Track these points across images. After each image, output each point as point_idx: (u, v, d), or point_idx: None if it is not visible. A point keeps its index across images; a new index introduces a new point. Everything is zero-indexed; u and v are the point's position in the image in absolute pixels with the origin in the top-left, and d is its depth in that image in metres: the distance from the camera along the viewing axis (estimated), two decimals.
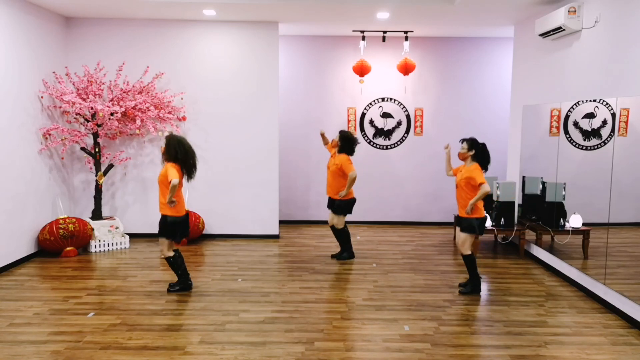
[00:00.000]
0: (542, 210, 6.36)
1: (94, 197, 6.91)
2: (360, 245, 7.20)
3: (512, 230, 6.82)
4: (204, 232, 7.50)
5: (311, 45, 8.46)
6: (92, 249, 6.74)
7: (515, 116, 7.21)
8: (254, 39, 7.33)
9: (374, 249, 7.05)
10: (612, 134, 4.86)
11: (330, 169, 6.26)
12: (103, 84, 6.91)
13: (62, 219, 6.42)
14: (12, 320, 4.43)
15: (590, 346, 4.04)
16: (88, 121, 6.74)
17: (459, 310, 4.79)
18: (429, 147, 8.57)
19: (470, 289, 5.21)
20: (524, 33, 6.95)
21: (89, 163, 7.06)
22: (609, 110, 4.89)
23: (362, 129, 8.60)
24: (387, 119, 8.57)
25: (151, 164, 7.35)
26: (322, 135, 6.63)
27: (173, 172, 4.83)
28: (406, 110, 8.56)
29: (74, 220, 6.47)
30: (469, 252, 5.17)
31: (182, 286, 5.21)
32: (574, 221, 5.61)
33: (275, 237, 7.61)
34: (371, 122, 8.59)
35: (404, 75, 8.10)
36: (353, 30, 7.88)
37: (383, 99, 8.54)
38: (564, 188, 5.83)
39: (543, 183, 6.31)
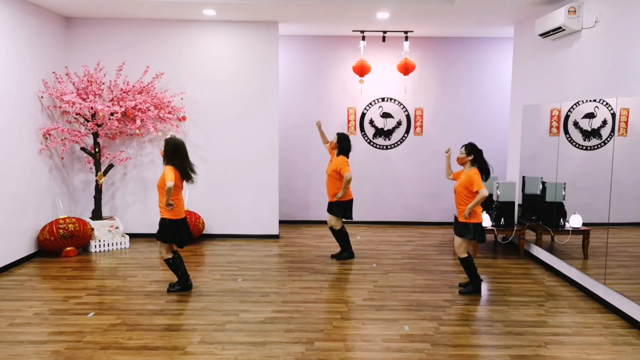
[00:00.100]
0: (542, 210, 6.36)
1: (94, 197, 6.91)
2: (360, 245, 7.20)
3: (512, 230, 6.82)
4: (204, 232, 7.50)
5: (311, 45, 8.46)
6: (92, 249, 6.75)
7: (515, 116, 7.21)
8: (254, 39, 7.33)
9: (374, 249, 7.05)
10: (612, 134, 4.86)
11: (327, 172, 6.28)
12: (103, 84, 6.91)
13: (62, 219, 6.42)
14: (12, 320, 4.43)
15: (590, 346, 4.04)
16: (88, 121, 6.74)
17: (459, 310, 4.79)
18: (429, 147, 8.57)
19: (472, 289, 5.21)
20: (524, 33, 6.95)
21: (89, 163, 7.06)
22: (609, 110, 4.89)
23: (362, 129, 8.60)
24: (387, 119, 8.57)
25: (151, 164, 7.35)
26: (320, 128, 6.62)
27: (169, 176, 4.85)
28: (406, 110, 8.57)
29: (74, 220, 6.47)
30: (465, 255, 5.16)
31: (182, 287, 5.21)
32: (574, 221, 5.61)
33: (275, 237, 7.61)
34: (371, 122, 8.59)
35: (404, 75, 8.10)
36: (353, 30, 7.88)
37: (383, 99, 8.55)
38: (564, 188, 5.83)
39: (543, 183, 6.31)
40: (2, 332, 4.18)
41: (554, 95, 6.03)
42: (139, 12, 6.80)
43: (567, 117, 5.69)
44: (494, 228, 6.81)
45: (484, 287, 5.48)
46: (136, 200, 7.41)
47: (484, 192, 4.88)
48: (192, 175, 5.07)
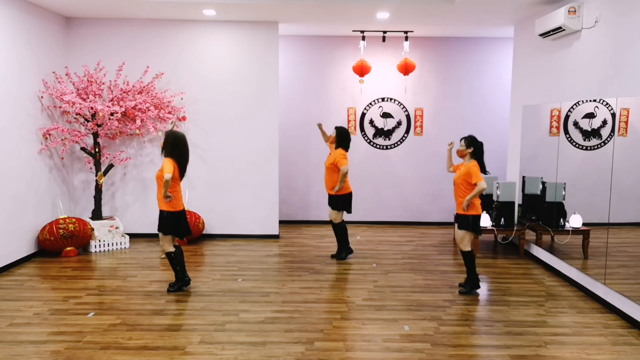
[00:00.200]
0: (542, 210, 6.36)
1: (94, 197, 6.91)
2: (360, 245, 7.20)
3: (512, 230, 6.82)
4: (204, 232, 7.50)
5: (311, 45, 8.46)
6: (92, 249, 6.75)
7: (515, 116, 7.21)
8: (254, 39, 7.33)
9: (374, 249, 7.05)
10: (612, 134, 4.86)
11: (326, 165, 6.29)
12: (103, 84, 6.91)
13: (62, 219, 6.42)
14: (12, 320, 4.43)
15: (590, 346, 4.04)
16: (88, 121, 6.74)
17: (459, 310, 4.79)
18: (429, 147, 8.57)
19: (470, 287, 5.22)
20: (524, 33, 6.95)
21: (89, 163, 7.06)
22: (609, 110, 4.89)
23: (362, 129, 8.60)
24: (387, 119, 8.57)
25: (151, 164, 7.35)
26: (320, 128, 6.63)
27: (167, 167, 4.87)
28: (406, 110, 8.56)
29: (74, 220, 6.47)
30: (469, 249, 5.19)
31: (180, 283, 5.21)
32: (574, 221, 5.61)
33: (275, 237, 7.61)
34: (371, 122, 8.59)
35: (404, 75, 8.10)
36: (353, 30, 7.88)
37: (383, 99, 8.54)
38: (564, 188, 5.83)
39: (543, 183, 6.31)
40: (2, 332, 4.18)
41: (554, 95, 6.03)
42: (139, 12, 6.80)
43: (567, 117, 5.69)
44: (494, 228, 6.81)
45: (484, 287, 5.49)
46: (136, 200, 7.41)
47: (482, 185, 4.92)
48: (185, 170, 5.10)
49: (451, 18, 6.88)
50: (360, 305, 4.88)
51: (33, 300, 4.93)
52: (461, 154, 5.18)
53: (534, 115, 6.56)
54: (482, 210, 5.26)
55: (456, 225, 5.30)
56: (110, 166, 6.98)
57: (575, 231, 5.65)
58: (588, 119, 5.30)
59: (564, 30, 5.51)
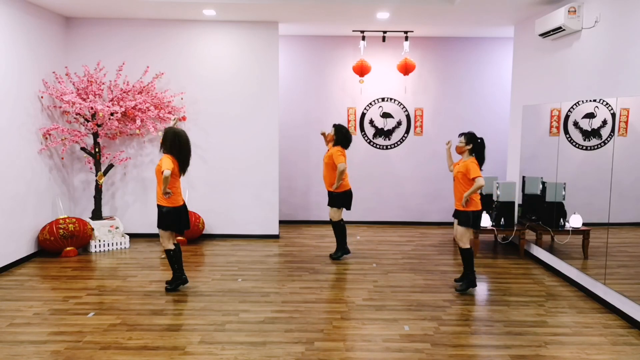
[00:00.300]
0: (542, 210, 6.36)
1: (94, 197, 6.91)
2: (360, 245, 7.20)
3: (512, 230, 6.82)
4: (204, 232, 7.50)
5: (311, 45, 8.46)
6: (92, 249, 6.75)
7: (515, 116, 7.21)
8: (254, 39, 7.33)
9: (374, 249, 7.05)
10: (612, 134, 4.86)
11: (324, 161, 6.29)
12: (103, 84, 6.91)
13: (62, 219, 6.42)
14: (12, 320, 4.43)
15: (590, 346, 4.04)
16: (88, 121, 6.74)
17: (459, 310, 4.79)
18: (429, 147, 8.57)
19: (466, 285, 5.22)
20: (524, 33, 6.95)
21: (89, 163, 7.06)
22: (609, 110, 4.89)
23: (362, 129, 8.60)
24: (387, 119, 8.57)
25: (151, 164, 7.35)
26: (323, 135, 6.60)
27: (166, 163, 4.86)
28: (406, 110, 8.57)
29: (74, 220, 6.47)
30: (468, 246, 5.20)
31: (178, 281, 5.21)
32: (574, 221, 5.61)
33: (275, 237, 7.61)
34: (371, 122, 8.59)
35: (404, 75, 8.10)
36: (353, 30, 7.88)
37: (383, 99, 8.55)
38: (564, 188, 5.83)
39: (543, 183, 6.31)
40: (2, 332, 4.18)
41: (554, 95, 6.03)
42: (139, 12, 6.80)
43: (567, 117, 5.69)
44: (494, 228, 6.81)
45: (484, 287, 5.49)
46: (136, 200, 7.41)
47: (481, 181, 4.92)
48: (186, 167, 5.08)
49: (451, 18, 6.88)
50: (360, 305, 4.88)
51: (33, 300, 4.93)
52: (460, 150, 5.19)
53: (534, 115, 6.56)
54: (482, 207, 5.25)
55: (456, 221, 5.31)
56: (110, 166, 6.98)
57: (575, 231, 5.65)
58: (588, 119, 5.30)
59: (564, 30, 5.51)
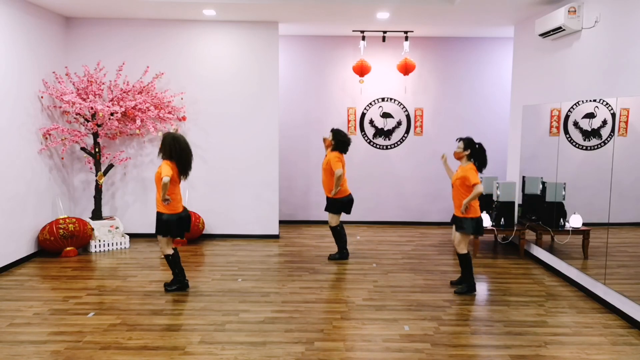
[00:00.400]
0: (542, 210, 6.36)
1: (94, 197, 6.91)
2: (360, 245, 7.20)
3: (512, 230, 6.82)
4: (204, 232, 7.50)
5: (311, 45, 8.46)
6: (92, 249, 6.75)
7: (515, 116, 7.21)
8: (254, 39, 7.33)
9: (374, 249, 7.05)
10: (612, 134, 4.86)
11: (323, 167, 6.28)
12: (103, 84, 6.91)
13: (62, 219, 6.42)
14: (12, 320, 4.43)
15: (590, 346, 4.04)
16: (88, 121, 6.74)
17: (459, 310, 4.79)
18: (429, 147, 8.57)
19: (466, 288, 5.22)
20: (524, 33, 6.95)
21: (89, 163, 7.06)
22: (609, 110, 4.89)
23: (362, 129, 8.60)
24: (387, 119, 8.58)
25: (151, 164, 7.35)
26: (325, 140, 6.51)
27: (165, 170, 4.84)
28: (406, 110, 8.57)
29: (74, 220, 6.47)
30: (465, 252, 5.19)
31: (179, 285, 5.21)
32: (574, 221, 5.61)
33: (275, 237, 7.61)
34: (371, 122, 8.59)
35: (404, 75, 8.10)
36: (353, 30, 7.88)
37: (383, 99, 8.55)
38: (564, 188, 5.83)
39: (543, 183, 6.31)
40: (2, 332, 4.18)
41: (554, 95, 6.03)
42: (139, 12, 6.80)
43: (567, 117, 5.69)
44: (494, 228, 6.81)
45: (484, 287, 5.49)
46: (136, 200, 7.41)
47: (480, 188, 4.91)
48: (188, 171, 5.04)
49: (451, 18, 6.88)
50: (360, 305, 4.88)
51: (33, 300, 4.93)
52: (458, 156, 5.16)
53: (534, 115, 6.56)
54: (482, 211, 5.24)
55: (454, 227, 5.30)
56: (110, 166, 6.98)
57: (575, 231, 5.65)
58: (588, 119, 5.30)
59: (564, 30, 5.51)
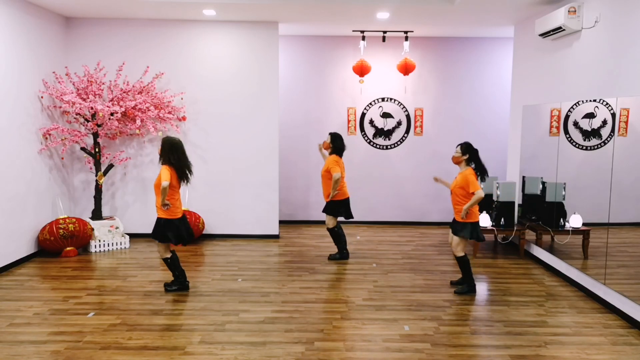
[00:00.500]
0: (542, 210, 6.36)
1: (94, 197, 6.91)
2: (360, 245, 7.20)
3: (512, 230, 6.82)
4: (204, 232, 7.50)
5: (311, 45, 8.46)
6: (92, 249, 6.75)
7: (515, 116, 7.21)
8: (254, 39, 7.33)
9: (374, 249, 7.05)
10: (612, 134, 4.86)
11: (322, 173, 6.28)
12: (103, 84, 6.91)
13: (62, 219, 6.42)
14: (12, 320, 4.43)
15: (590, 346, 4.04)
16: (88, 121, 6.74)
17: (459, 310, 4.79)
18: (429, 147, 8.57)
19: (467, 289, 5.22)
20: (524, 33, 6.95)
21: (89, 163, 7.06)
22: (609, 110, 4.89)
23: (362, 129, 8.60)
24: (387, 119, 8.58)
25: (151, 164, 7.35)
26: (324, 143, 6.50)
27: (165, 175, 4.85)
28: (406, 110, 8.57)
29: (74, 220, 6.47)
30: (462, 254, 5.19)
31: (179, 286, 5.21)
32: (574, 221, 5.61)
33: (275, 237, 7.61)
34: (371, 122, 8.59)
35: (404, 75, 8.10)
36: (353, 30, 7.88)
37: (383, 99, 8.55)
38: (564, 188, 5.83)
39: (543, 183, 6.31)
40: (2, 332, 4.18)
41: (554, 95, 6.03)
42: (139, 12, 6.80)
43: (567, 117, 5.69)
44: (494, 228, 6.81)
45: (484, 287, 5.49)
46: (136, 200, 7.41)
47: (480, 193, 4.90)
48: (189, 175, 5.05)
49: (451, 18, 6.88)
50: (360, 305, 4.88)
51: (33, 300, 4.93)
52: (456, 161, 5.16)
53: (534, 115, 6.56)
54: (480, 212, 5.25)
55: (451, 230, 5.29)
56: (110, 166, 6.98)
57: (575, 231, 5.65)
58: (588, 119, 5.30)
59: (564, 30, 5.51)
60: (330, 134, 6.32)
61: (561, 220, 5.87)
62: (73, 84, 6.85)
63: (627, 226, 4.83)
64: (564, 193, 5.85)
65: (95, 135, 6.81)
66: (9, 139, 5.90)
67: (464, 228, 5.09)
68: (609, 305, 4.81)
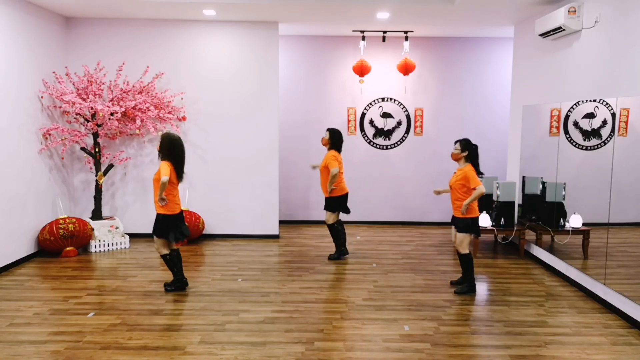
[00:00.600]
0: (542, 210, 6.36)
1: (94, 197, 6.91)
2: (360, 245, 7.20)
3: (512, 230, 6.82)
4: (204, 232, 7.50)
5: (311, 45, 8.46)
6: (92, 249, 6.74)
7: (515, 116, 7.21)
8: (254, 39, 7.33)
9: (374, 249, 7.05)
10: (612, 134, 4.86)
11: (321, 168, 6.29)
12: (103, 84, 6.91)
13: (62, 219, 6.42)
14: (12, 320, 4.43)
15: (590, 346, 4.04)
16: (88, 121, 6.74)
17: (459, 310, 4.79)
18: (429, 147, 8.57)
19: (467, 288, 5.22)
20: (524, 33, 6.95)
21: (89, 163, 7.06)
22: (609, 110, 4.89)
23: (362, 129, 8.60)
24: (387, 119, 8.57)
25: (151, 164, 7.35)
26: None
27: (164, 170, 4.88)
28: (406, 110, 8.57)
29: (74, 220, 6.47)
30: (467, 251, 5.20)
31: (178, 285, 5.21)
32: (574, 221, 5.61)
33: (275, 237, 7.61)
34: (371, 122, 8.59)
35: (404, 75, 8.10)
36: (353, 30, 7.88)
37: (383, 99, 8.55)
38: (564, 188, 5.83)
39: (543, 183, 6.31)
40: (2, 332, 4.18)
41: (554, 95, 6.03)
42: (139, 12, 6.80)
43: (567, 117, 5.69)
44: (494, 228, 6.81)
45: (484, 287, 5.49)
46: (136, 200, 7.41)
47: (482, 189, 4.92)
48: (183, 173, 5.08)
49: (451, 18, 6.88)
50: (360, 305, 4.88)
51: (33, 300, 4.93)
52: (455, 157, 5.17)
53: (534, 115, 6.56)
54: (480, 212, 5.26)
55: (454, 228, 5.30)
56: (110, 166, 6.98)
57: (575, 231, 5.65)
58: (588, 119, 5.30)
59: (564, 30, 5.51)
60: (329, 129, 6.33)
61: (561, 220, 5.87)
62: (73, 84, 6.85)
63: (627, 226, 4.83)
64: (564, 193, 5.85)
65: (95, 135, 6.81)
66: (9, 139, 5.90)
67: (466, 223, 5.10)
68: (609, 305, 4.81)
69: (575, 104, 5.53)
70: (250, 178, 7.49)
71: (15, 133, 6.01)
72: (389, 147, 8.63)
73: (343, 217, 6.78)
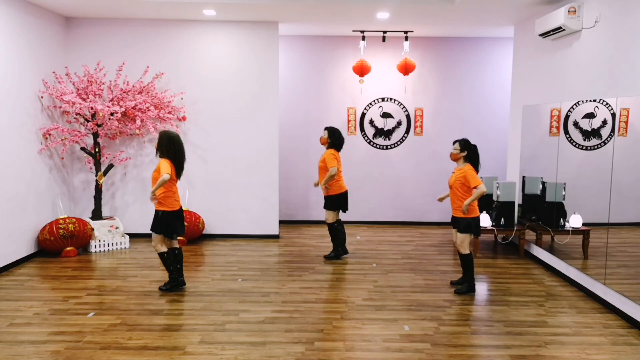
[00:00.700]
0: (542, 210, 6.36)
1: (94, 197, 6.91)
2: (360, 245, 7.20)
3: (512, 230, 6.82)
4: (204, 232, 7.50)
5: (311, 45, 8.46)
6: (92, 249, 6.74)
7: (515, 116, 7.21)
8: (254, 39, 7.33)
9: (374, 249, 7.05)
10: (612, 134, 4.86)
11: (319, 165, 6.29)
12: (103, 84, 6.91)
13: (62, 219, 6.42)
14: (12, 320, 4.43)
15: (590, 346, 4.04)
16: (88, 121, 6.74)
17: (459, 310, 4.79)
18: (429, 147, 8.57)
19: (467, 288, 5.22)
20: (524, 33, 6.95)
21: (89, 163, 7.06)
22: (609, 110, 4.89)
23: (362, 129, 8.60)
24: (387, 119, 8.57)
25: (151, 164, 7.35)
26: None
27: (165, 167, 4.88)
28: (406, 110, 8.57)
29: (74, 220, 6.47)
30: (468, 252, 5.20)
31: (173, 284, 5.21)
32: (574, 221, 5.61)
33: (275, 237, 7.61)
34: (371, 122, 8.59)
35: (404, 75, 8.10)
36: (353, 30, 7.88)
37: (383, 99, 8.55)
38: (564, 188, 5.83)
39: (543, 183, 6.31)
40: (2, 332, 4.18)
41: (554, 95, 6.03)
42: (139, 12, 6.80)
43: (567, 117, 5.69)
44: (494, 228, 6.81)
45: (484, 287, 5.49)
46: (136, 200, 7.41)
47: (482, 188, 4.92)
48: (182, 170, 5.09)
49: (451, 18, 6.88)
50: (360, 305, 4.88)
51: (33, 300, 4.93)
52: (454, 157, 5.18)
53: (534, 115, 6.56)
54: (480, 212, 5.26)
55: (454, 229, 5.30)
56: (110, 166, 6.98)
57: (575, 231, 5.65)
58: (588, 119, 5.30)
59: (564, 30, 5.51)
60: (327, 128, 6.33)
61: (561, 220, 5.87)
62: (73, 84, 6.85)
63: (627, 226, 4.83)
64: (564, 193, 5.85)
65: (95, 135, 6.81)
66: (9, 139, 5.90)
67: (467, 223, 5.10)
68: (608, 305, 4.81)
69: (575, 104, 5.53)
70: (250, 178, 7.49)
71: (15, 133, 6.01)
72: (389, 147, 8.63)
73: (343, 216, 6.78)
